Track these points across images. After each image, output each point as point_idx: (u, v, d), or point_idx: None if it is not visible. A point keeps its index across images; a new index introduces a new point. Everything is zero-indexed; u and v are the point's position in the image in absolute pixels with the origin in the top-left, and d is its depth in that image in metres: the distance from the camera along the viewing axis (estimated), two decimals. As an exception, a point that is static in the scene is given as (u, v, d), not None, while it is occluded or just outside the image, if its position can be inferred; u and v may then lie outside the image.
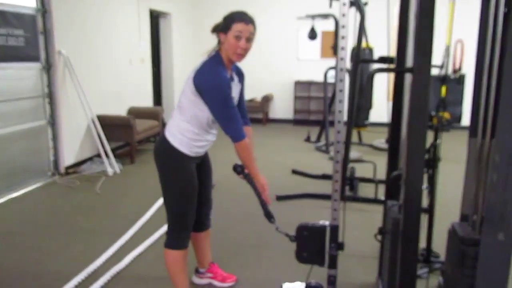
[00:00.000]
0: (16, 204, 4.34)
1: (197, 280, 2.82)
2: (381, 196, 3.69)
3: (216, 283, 2.79)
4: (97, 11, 5.85)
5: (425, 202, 2.30)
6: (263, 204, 2.38)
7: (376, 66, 2.97)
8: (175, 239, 2.38)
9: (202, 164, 2.48)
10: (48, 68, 5.06)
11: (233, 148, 2.52)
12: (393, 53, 2.54)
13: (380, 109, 3.63)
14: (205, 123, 2.26)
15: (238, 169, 2.35)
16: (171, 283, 2.47)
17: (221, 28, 2.21)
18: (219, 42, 2.26)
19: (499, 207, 1.76)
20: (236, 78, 2.38)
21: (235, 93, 2.37)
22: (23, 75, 4.77)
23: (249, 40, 2.20)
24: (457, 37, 8.00)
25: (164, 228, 3.60)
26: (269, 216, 2.37)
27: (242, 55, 2.22)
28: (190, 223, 2.38)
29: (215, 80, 2.16)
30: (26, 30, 4.72)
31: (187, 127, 2.26)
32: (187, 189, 2.31)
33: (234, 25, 2.16)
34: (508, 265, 1.83)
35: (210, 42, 2.33)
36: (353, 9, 4.64)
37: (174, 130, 2.29)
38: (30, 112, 4.90)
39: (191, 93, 2.20)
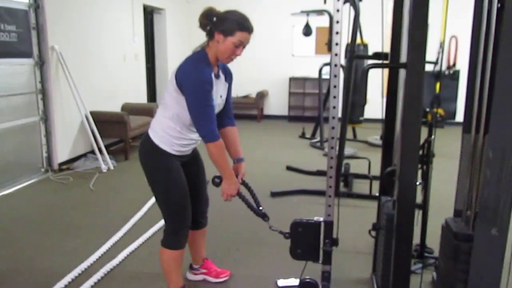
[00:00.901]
0: (9, 201, 4.31)
1: (191, 276, 2.81)
2: (376, 192, 3.69)
3: (210, 278, 2.79)
4: (90, 6, 5.81)
5: (419, 198, 2.31)
6: (254, 210, 2.38)
7: (370, 62, 2.97)
8: (173, 238, 2.34)
9: (193, 162, 2.45)
10: (41, 64, 5.02)
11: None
12: (387, 49, 2.54)
13: (375, 105, 3.64)
14: (188, 122, 2.20)
15: (217, 181, 2.28)
16: (164, 280, 2.46)
17: (220, 28, 2.13)
18: (210, 38, 2.20)
19: (493, 202, 1.77)
20: (222, 76, 2.33)
21: (221, 91, 2.33)
22: (15, 71, 4.73)
23: (244, 47, 2.19)
24: (451, 33, 8.00)
25: (158, 225, 3.60)
26: (262, 216, 2.38)
27: (233, 59, 2.21)
28: (187, 220, 2.34)
29: (196, 76, 2.11)
30: (19, 25, 4.67)
31: (170, 124, 2.22)
32: (175, 186, 2.27)
33: (239, 33, 2.12)
34: (502, 260, 1.84)
35: (205, 38, 2.30)
36: (348, 5, 4.63)
37: (156, 127, 2.26)
38: (23, 108, 4.86)
39: (174, 89, 2.17)
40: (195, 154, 2.47)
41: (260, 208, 2.39)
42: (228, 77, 2.40)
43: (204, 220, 2.65)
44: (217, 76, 2.27)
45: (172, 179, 2.27)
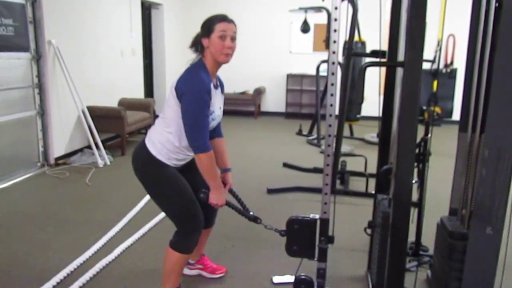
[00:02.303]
0: (5, 195, 4.30)
1: (187, 271, 2.81)
2: (372, 190, 3.70)
3: (205, 274, 2.79)
4: (87, 0, 5.78)
5: (414, 196, 2.31)
6: (244, 214, 2.40)
7: (368, 59, 2.96)
8: (184, 242, 2.31)
9: (192, 166, 2.39)
10: (38, 58, 5.00)
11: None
12: (385, 46, 2.54)
13: (372, 103, 3.63)
14: None
15: (204, 197, 2.26)
16: (160, 277, 2.45)
17: (203, 33, 2.18)
18: (202, 50, 2.22)
19: (488, 201, 1.78)
20: (219, 88, 2.35)
21: (220, 103, 2.34)
22: (12, 65, 4.71)
23: (233, 39, 2.19)
24: (449, 31, 7.99)
25: (154, 220, 3.60)
26: (254, 219, 2.40)
27: (229, 54, 2.19)
28: (199, 223, 2.30)
29: (195, 85, 2.11)
30: (16, 19, 4.65)
31: (169, 139, 2.22)
32: (177, 191, 2.26)
33: (217, 25, 2.14)
34: (496, 259, 1.85)
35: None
36: (346, 2, 4.62)
37: (154, 139, 2.25)
38: (19, 102, 4.84)
39: (175, 103, 2.16)
40: (192, 161, 2.45)
41: (250, 213, 2.41)
42: (223, 88, 2.43)
43: (212, 221, 2.65)
44: (216, 87, 2.29)
45: (173, 186, 2.26)
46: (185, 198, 2.26)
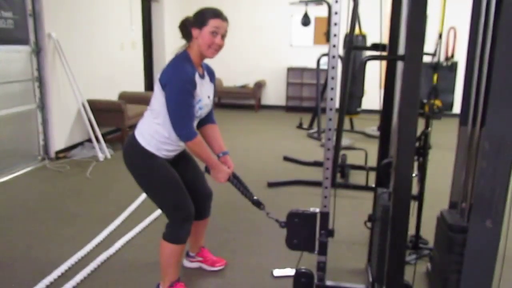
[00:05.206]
0: (5, 189, 4.31)
1: (187, 263, 2.83)
2: (372, 183, 3.70)
3: (205, 267, 2.80)
4: (87, -7, 5.76)
5: (414, 190, 2.32)
6: (248, 196, 2.41)
7: (368, 53, 2.96)
8: (176, 232, 2.32)
9: (181, 159, 2.43)
10: (38, 51, 4.99)
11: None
12: (386, 40, 2.53)
13: (372, 97, 3.62)
14: None
15: (208, 169, 2.34)
16: (160, 271, 2.46)
17: (195, 23, 2.16)
18: (189, 39, 2.22)
19: (488, 194, 1.78)
20: (207, 77, 2.35)
21: (208, 92, 2.35)
22: (12, 58, 4.70)
23: (224, 37, 2.20)
24: (450, 24, 7.96)
25: (155, 213, 3.61)
26: (257, 204, 2.41)
27: (216, 50, 2.20)
28: (189, 213, 2.32)
29: (177, 75, 2.13)
30: (15, 12, 4.63)
31: (159, 130, 2.24)
32: (167, 182, 2.27)
33: (211, 21, 2.14)
34: (495, 252, 1.85)
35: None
36: (347, -5, 4.60)
37: (144, 131, 2.27)
38: (19, 95, 4.84)
39: (161, 95, 2.18)
40: (181, 151, 2.47)
41: (255, 197, 2.42)
42: (212, 77, 2.43)
43: (208, 211, 2.66)
44: (202, 76, 2.28)
45: (162, 176, 2.27)
46: (174, 188, 2.28)
